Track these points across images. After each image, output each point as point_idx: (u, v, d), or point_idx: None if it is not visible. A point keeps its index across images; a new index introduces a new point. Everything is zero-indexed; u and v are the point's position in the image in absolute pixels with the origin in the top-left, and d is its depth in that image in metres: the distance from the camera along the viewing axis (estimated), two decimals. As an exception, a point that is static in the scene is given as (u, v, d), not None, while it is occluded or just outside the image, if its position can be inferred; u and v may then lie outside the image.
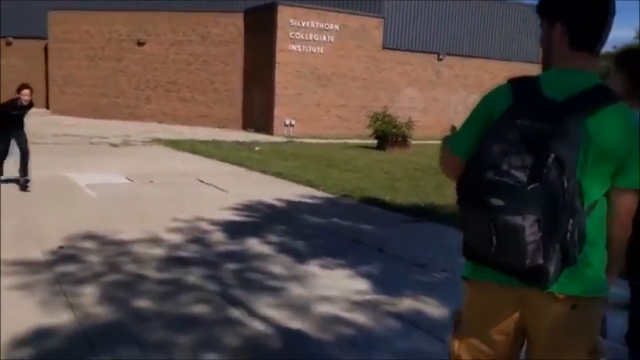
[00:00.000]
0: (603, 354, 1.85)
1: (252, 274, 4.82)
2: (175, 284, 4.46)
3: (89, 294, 4.15)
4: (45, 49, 26.31)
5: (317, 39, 21.58)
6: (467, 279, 1.92)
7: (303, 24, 21.29)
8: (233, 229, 6.29)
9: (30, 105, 8.23)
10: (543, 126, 1.64)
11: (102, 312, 3.84)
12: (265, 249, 5.62)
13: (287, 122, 21.11)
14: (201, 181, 9.61)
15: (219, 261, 5.12)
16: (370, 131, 17.59)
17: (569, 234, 1.62)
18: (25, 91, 8.05)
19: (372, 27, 22.39)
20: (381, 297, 4.41)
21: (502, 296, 1.83)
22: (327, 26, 21.63)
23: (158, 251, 5.33)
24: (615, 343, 3.55)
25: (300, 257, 5.38)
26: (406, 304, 4.30)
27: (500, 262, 1.67)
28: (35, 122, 15.95)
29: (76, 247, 5.32)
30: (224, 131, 20.73)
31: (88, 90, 23.73)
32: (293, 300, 4.27)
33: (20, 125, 8.25)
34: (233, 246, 5.66)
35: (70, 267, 4.72)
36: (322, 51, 21.65)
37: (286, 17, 20.98)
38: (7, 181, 8.26)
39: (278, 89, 21.11)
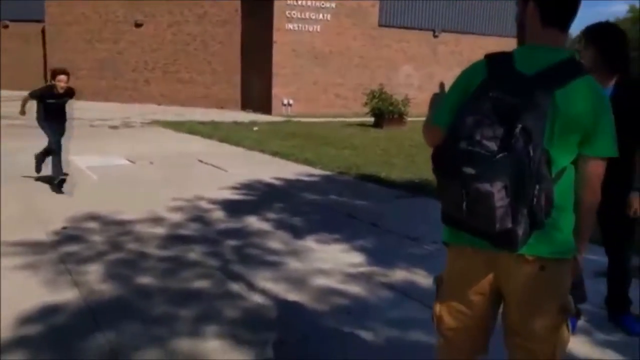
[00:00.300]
0: (572, 312, 1.98)
1: (251, 250, 4.98)
2: (176, 261, 4.61)
3: (93, 272, 4.30)
4: (43, 31, 26.23)
5: (313, 17, 21.51)
6: (446, 244, 2.06)
7: (300, 3, 21.21)
8: (232, 207, 6.44)
9: (70, 93, 7.19)
10: (513, 99, 1.74)
11: (106, 289, 3.99)
12: (263, 225, 5.77)
13: (285, 101, 21.15)
14: (201, 161, 9.74)
15: (219, 238, 5.28)
16: (367, 109, 17.67)
17: (535, 199, 1.73)
18: (61, 77, 6.98)
19: (368, 4, 22.31)
20: (375, 269, 4.57)
21: (476, 259, 1.95)
22: (323, 4, 21.55)
23: (159, 230, 5.48)
24: (596, 307, 3.72)
25: (298, 232, 5.53)
26: (399, 275, 4.46)
27: (472, 226, 1.79)
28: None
29: (79, 227, 5.47)
30: (223, 112, 20.80)
31: (86, 73, 23.71)
32: (290, 273, 4.43)
33: (60, 116, 7.25)
34: (232, 224, 5.81)
35: (74, 247, 4.87)
36: (319, 30, 21.61)
37: (283, -5, 20.91)
38: (59, 181, 7.23)
39: (276, 69, 21.12)
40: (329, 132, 15.16)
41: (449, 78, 2.11)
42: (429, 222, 5.81)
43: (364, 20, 22.28)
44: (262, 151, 11.07)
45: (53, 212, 5.98)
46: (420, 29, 23.43)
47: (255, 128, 15.52)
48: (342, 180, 8.57)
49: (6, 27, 27.36)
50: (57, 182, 7.10)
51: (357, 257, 4.87)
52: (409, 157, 10.78)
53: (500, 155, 1.67)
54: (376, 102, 17.44)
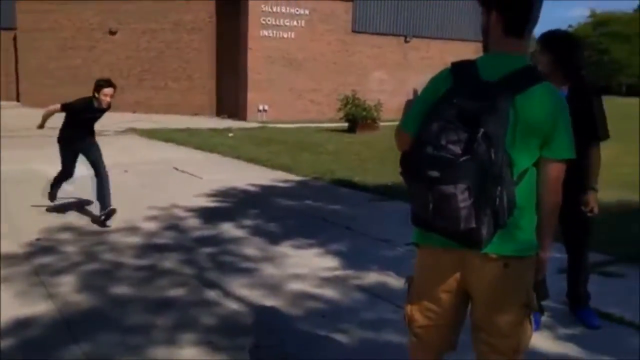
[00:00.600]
0: (534, 308, 2.08)
1: (226, 257, 5.04)
2: (152, 270, 4.65)
3: (67, 283, 4.31)
4: (14, 39, 25.87)
5: (288, 24, 21.61)
6: (417, 244, 2.15)
7: (274, 9, 21.28)
8: (208, 215, 6.49)
9: (109, 107, 6.25)
10: (476, 104, 1.85)
11: (81, 300, 4.01)
12: (239, 232, 5.83)
13: (261, 107, 21.18)
14: (176, 169, 9.75)
15: (195, 246, 5.32)
16: (341, 114, 17.84)
17: (498, 200, 1.84)
18: (108, 90, 5.95)
19: (342, 11, 22.47)
20: (349, 272, 4.67)
21: (444, 258, 2.05)
22: (297, 11, 21.65)
23: (135, 239, 5.51)
24: (558, 303, 3.87)
25: (273, 238, 5.60)
26: (372, 277, 4.56)
27: (439, 227, 1.89)
28: (5, 115, 15.88)
29: (53, 239, 5.46)
30: (198, 118, 20.73)
31: (60, 81, 23.41)
32: (266, 279, 4.50)
33: (91, 133, 6.30)
34: (208, 231, 5.86)
35: (48, 259, 4.86)
36: (293, 36, 21.70)
37: (258, 2, 20.97)
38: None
39: (250, 75, 21.14)
40: (304, 137, 15.24)
41: (420, 83, 2.20)
42: (401, 225, 5.86)
43: (338, 26, 22.44)
44: (238, 157, 11.11)
45: (26, 223, 5.96)
46: (392, 35, 23.68)
47: (231, 134, 15.53)
48: (317, 185, 8.66)
49: (-24, 35, 26.91)
50: (103, 217, 5.92)
51: (331, 261, 4.96)
52: (382, 161, 10.91)
53: (464, 158, 1.78)
54: (350, 107, 17.62)
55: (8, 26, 25.72)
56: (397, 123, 2.22)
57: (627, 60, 62.57)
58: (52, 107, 6.19)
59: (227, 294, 4.16)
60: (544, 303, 3.72)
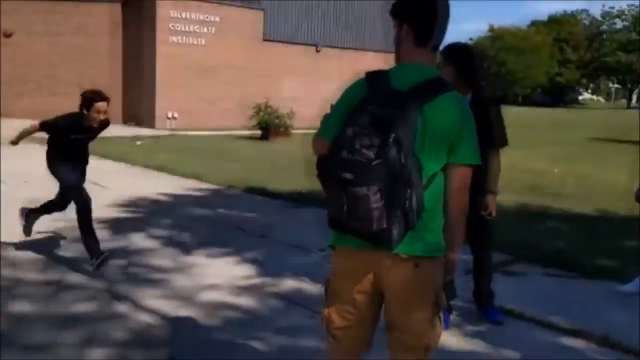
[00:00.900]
0: (443, 307, 2.18)
1: (137, 269, 4.89)
2: (58, 285, 4.43)
3: (-37, 301, 4.03)
4: None
5: (198, 30, 21.31)
6: (333, 247, 2.20)
7: (183, 15, 20.92)
8: (116, 226, 6.27)
9: (105, 124, 5.13)
10: (388, 112, 1.94)
11: (-21, 318, 3.76)
12: (150, 243, 5.68)
13: (170, 115, 20.72)
14: (81, 179, 9.33)
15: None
16: (253, 122, 17.82)
17: (408, 202, 1.93)
18: (101, 105, 4.84)
19: (253, 18, 22.47)
20: (265, 280, 4.67)
21: (358, 259, 2.11)
22: (207, 18, 21.41)
23: (37, 254, 5.22)
24: (465, 302, 4.08)
25: (186, 248, 5.50)
26: (288, 284, 4.59)
27: (354, 228, 1.95)
28: None
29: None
30: (104, 126, 19.97)
31: (-54, 87, 21.82)
32: (180, 290, 4.41)
33: (83, 157, 5.26)
34: (117, 243, 5.65)
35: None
36: (204, 43, 21.43)
37: (166, 8, 20.52)
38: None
39: (159, 82, 20.64)
40: (215, 145, 15.08)
41: (331, 92, 2.28)
42: (315, 231, 5.97)
43: (249, 34, 22.40)
44: (147, 166, 10.81)
45: None
46: (303, 44, 23.95)
47: (139, 142, 15.08)
48: (231, 193, 8.59)
49: None
50: (98, 262, 4.70)
51: (247, 270, 4.94)
52: (296, 168, 10.99)
53: (376, 162, 1.86)
54: (262, 115, 17.65)
55: None
56: (310, 131, 2.28)
57: (522, 73, 66.72)
58: (31, 125, 5.16)
59: (140, 307, 4.04)
60: (452, 302, 3.91)
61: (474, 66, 3.71)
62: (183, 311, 4.00)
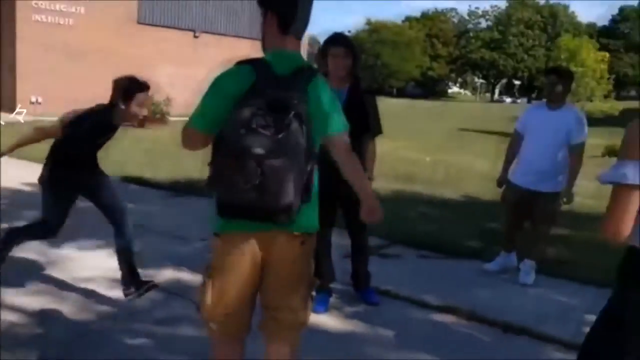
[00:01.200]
0: (316, 284, 2.28)
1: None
2: None
3: None
4: None
5: (65, 9, 19.92)
6: (218, 234, 2.18)
7: (48, -8, 19.48)
8: (-27, 219, 5.73)
9: (141, 124, 4.04)
10: (281, 94, 2.00)
11: None
12: (13, 236, 5.25)
13: (33, 99, 19.26)
14: None
15: (-42, 254, 4.66)
16: (128, 108, 17.09)
17: (308, 175, 2.00)
18: (142, 97, 3.94)
19: (127, 0, 21.42)
20: (142, 272, 4.49)
21: (247, 242, 2.12)
22: (75, -4, 20.11)
23: None
24: (344, 285, 4.20)
25: (55, 241, 5.12)
26: (166, 274, 4.46)
27: (257, 207, 1.93)
28: None
29: None
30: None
31: None
32: (50, 285, 4.14)
33: (96, 162, 4.18)
34: (-26, 237, 5.17)
35: None
36: (71, 23, 20.09)
37: (27, -17, 18.97)
38: None
39: (20, 64, 19.08)
40: (87, 133, 14.23)
41: (210, 79, 2.23)
42: (195, 220, 5.88)
43: (123, 16, 21.32)
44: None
45: None
46: (180, 29, 23.26)
47: (-1, 129, 13.88)
48: (104, 183, 8.16)
49: None
50: (142, 291, 3.89)
51: (122, 261, 4.72)
52: (173, 156, 10.68)
53: (281, 135, 1.91)
54: (138, 101, 16.97)
55: None
56: (186, 118, 2.22)
57: (397, 66, 69.59)
58: (43, 127, 3.88)
59: (4, 305, 3.73)
60: (331, 285, 4.03)
61: (356, 58, 3.85)
62: (53, 307, 3.76)
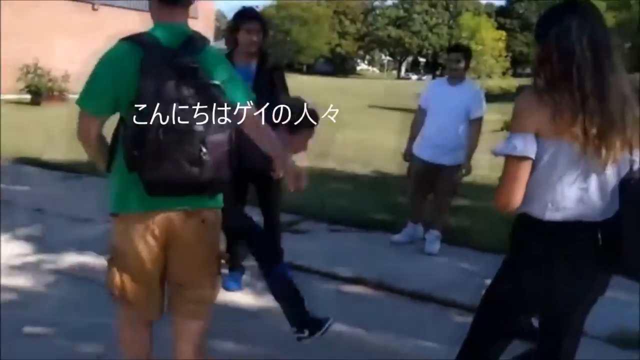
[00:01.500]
0: (225, 259, 2.27)
1: None
2: None
3: None
4: None
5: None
6: (116, 215, 2.11)
7: None
8: None
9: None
10: (183, 62, 1.94)
11: None
12: None
13: None
14: None
15: None
16: (21, 85, 16.03)
17: (233, 147, 2.00)
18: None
19: (16, -33, 19.91)
20: (42, 257, 4.29)
21: (145, 222, 2.06)
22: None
23: None
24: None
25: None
26: (70, 259, 4.28)
27: (196, 182, 1.93)
28: None
29: None
30: None
31: None
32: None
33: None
34: None
35: None
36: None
37: None
38: None
39: None
40: (-24, 111, 13.24)
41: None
42: (99, 202, 5.63)
43: (14, -14, 19.83)
44: None
45: None
46: (78, 1, 22.00)
47: None
48: (-3, 165, 7.65)
49: None
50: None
51: (20, 247, 4.48)
52: (72, 136, 10.16)
53: (211, 107, 1.92)
54: (32, 77, 15.94)
55: None
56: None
57: (306, 42, 69.57)
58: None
59: None
60: (243, 263, 4.02)
61: (265, 34, 3.82)
62: (-57, 299, 3.51)
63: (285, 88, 3.95)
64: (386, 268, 4.50)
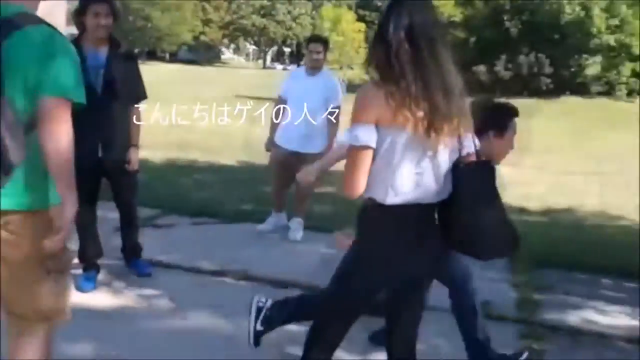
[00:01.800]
0: (59, 266, 1.98)
1: None
2: None
3: None
4: None
5: None
6: None
7: None
8: None
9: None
10: None
11: None
12: None
13: None
14: None
15: None
16: None
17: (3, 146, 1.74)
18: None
19: None
20: None
21: None
22: None
23: None
24: (112, 259, 4.04)
25: None
26: None
27: None
28: None
29: None
30: None
31: None
32: None
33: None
34: None
35: None
36: None
37: None
38: None
39: None
40: None
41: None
42: None
43: None
44: None
45: None
46: None
47: None
48: None
49: None
50: None
51: None
52: None
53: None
54: None
55: None
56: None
57: (168, 30, 67.23)
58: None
59: None
60: (99, 261, 3.84)
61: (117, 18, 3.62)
62: None
63: (139, 75, 3.79)
64: (251, 258, 4.50)
